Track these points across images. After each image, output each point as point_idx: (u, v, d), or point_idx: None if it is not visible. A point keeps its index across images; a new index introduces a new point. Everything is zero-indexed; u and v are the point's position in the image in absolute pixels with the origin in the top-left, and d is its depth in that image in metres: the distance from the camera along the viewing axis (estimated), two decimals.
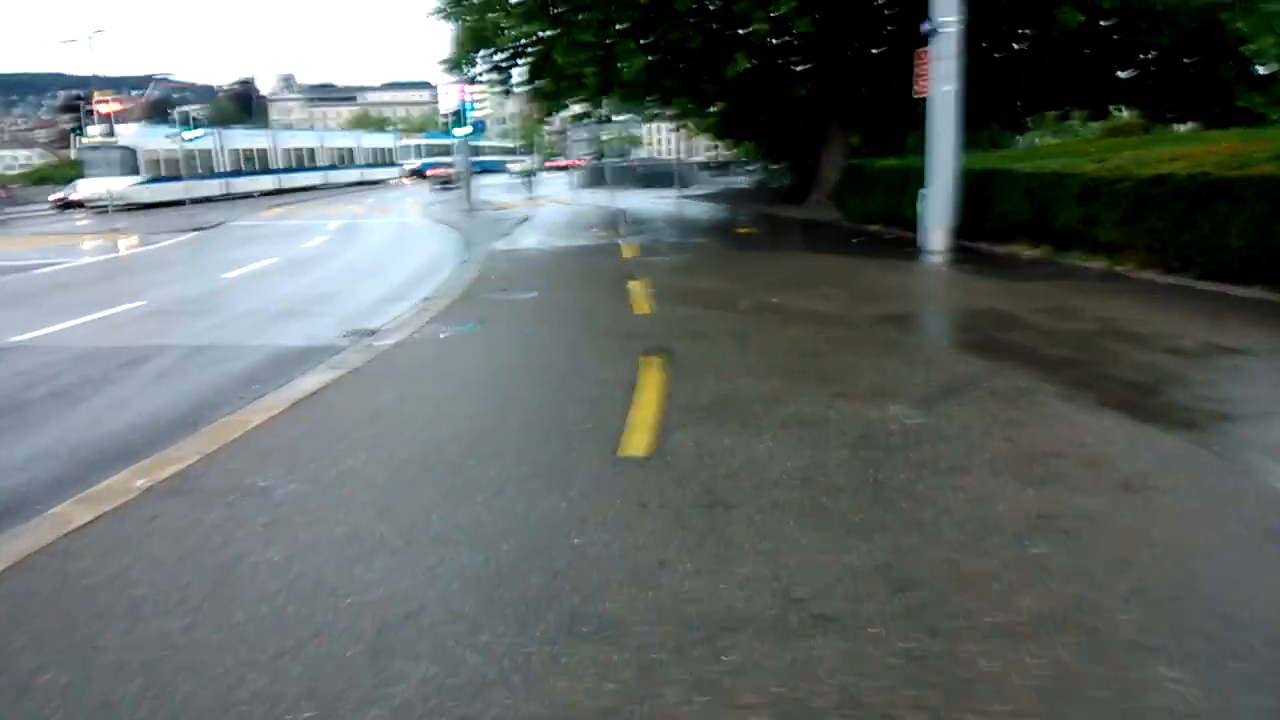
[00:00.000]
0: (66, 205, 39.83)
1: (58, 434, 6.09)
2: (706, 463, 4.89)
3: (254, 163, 49.98)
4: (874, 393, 6.24)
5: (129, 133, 40.12)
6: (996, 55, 26.14)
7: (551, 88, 25.36)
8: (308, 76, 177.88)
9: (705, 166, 53.26)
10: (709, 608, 3.33)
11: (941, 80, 15.32)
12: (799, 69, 28.83)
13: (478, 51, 23.69)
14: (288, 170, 52.53)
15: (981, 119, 31.16)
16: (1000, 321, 8.88)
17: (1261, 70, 23.03)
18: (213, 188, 43.84)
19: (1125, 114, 36.08)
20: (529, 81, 24.51)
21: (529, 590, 3.45)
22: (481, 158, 72.02)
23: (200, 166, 43.04)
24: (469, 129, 31.99)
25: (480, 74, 25.80)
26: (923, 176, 17.20)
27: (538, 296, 11.49)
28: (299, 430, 5.57)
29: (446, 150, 69.05)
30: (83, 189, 38.96)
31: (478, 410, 6.07)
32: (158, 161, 40.66)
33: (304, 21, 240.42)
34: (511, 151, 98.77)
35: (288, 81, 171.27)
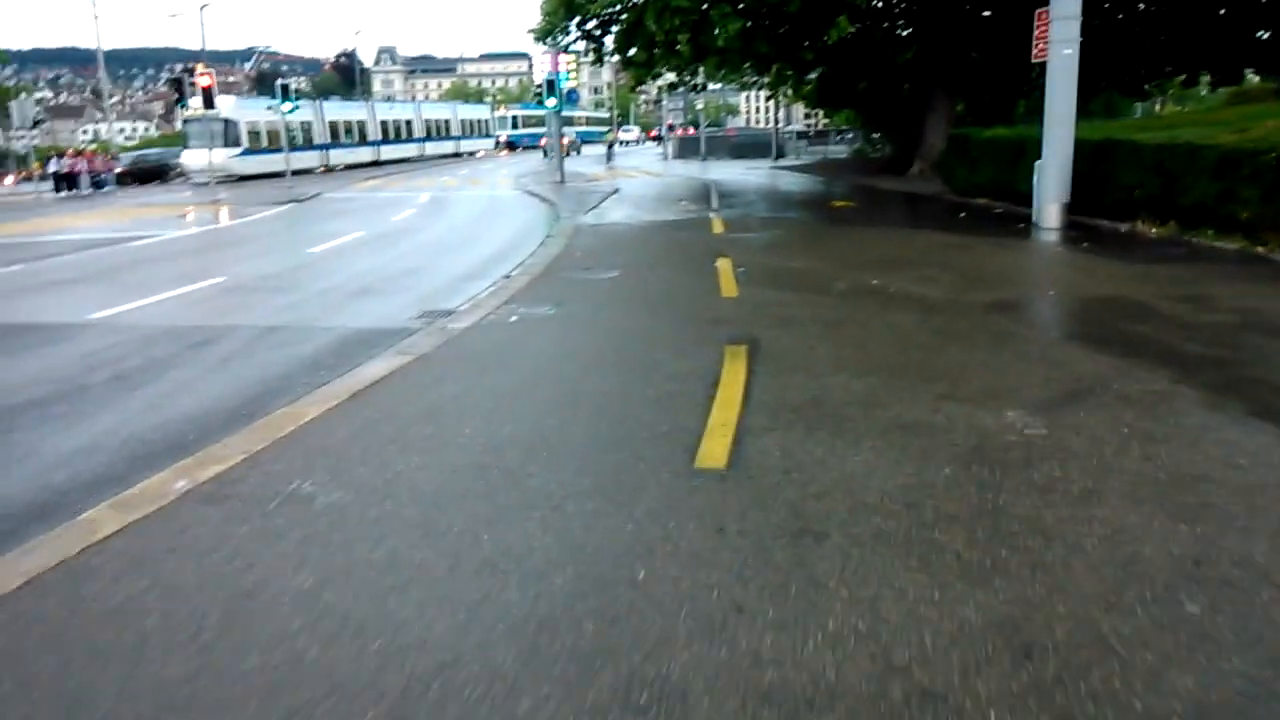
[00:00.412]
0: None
1: (111, 423, 5.89)
2: (794, 478, 4.31)
3: (353, 134, 50.18)
4: (987, 394, 5.53)
5: (227, 105, 40.42)
6: (1120, 15, 24.32)
7: (643, 56, 24.70)
8: (408, 49, 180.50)
9: (802, 135, 51.71)
10: (790, 674, 2.78)
11: (1061, 42, 14.14)
12: (902, 33, 27.47)
13: (569, 19, 23.16)
14: (386, 142, 52.83)
15: (1098, 84, 29.17)
16: (1127, 311, 7.97)
17: None
18: (311, 159, 44.17)
19: (1258, 80, 33.39)
20: (620, 50, 23.88)
21: (581, 642, 2.96)
22: (575, 128, 71.60)
23: (300, 138, 43.22)
24: (558, 100, 31.53)
25: (571, 43, 25.29)
26: (1036, 147, 16.01)
27: (619, 276, 10.98)
28: (353, 427, 5.20)
29: (541, 121, 69.07)
30: (186, 160, 39.62)
31: (543, 407, 5.61)
32: (258, 134, 41.23)
33: None
34: (605, 122, 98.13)
35: (389, 53, 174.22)
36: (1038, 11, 14.94)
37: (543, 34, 23.48)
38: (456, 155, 59.63)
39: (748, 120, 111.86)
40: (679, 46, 23.77)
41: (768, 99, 48.83)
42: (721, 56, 26.60)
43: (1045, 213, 14.37)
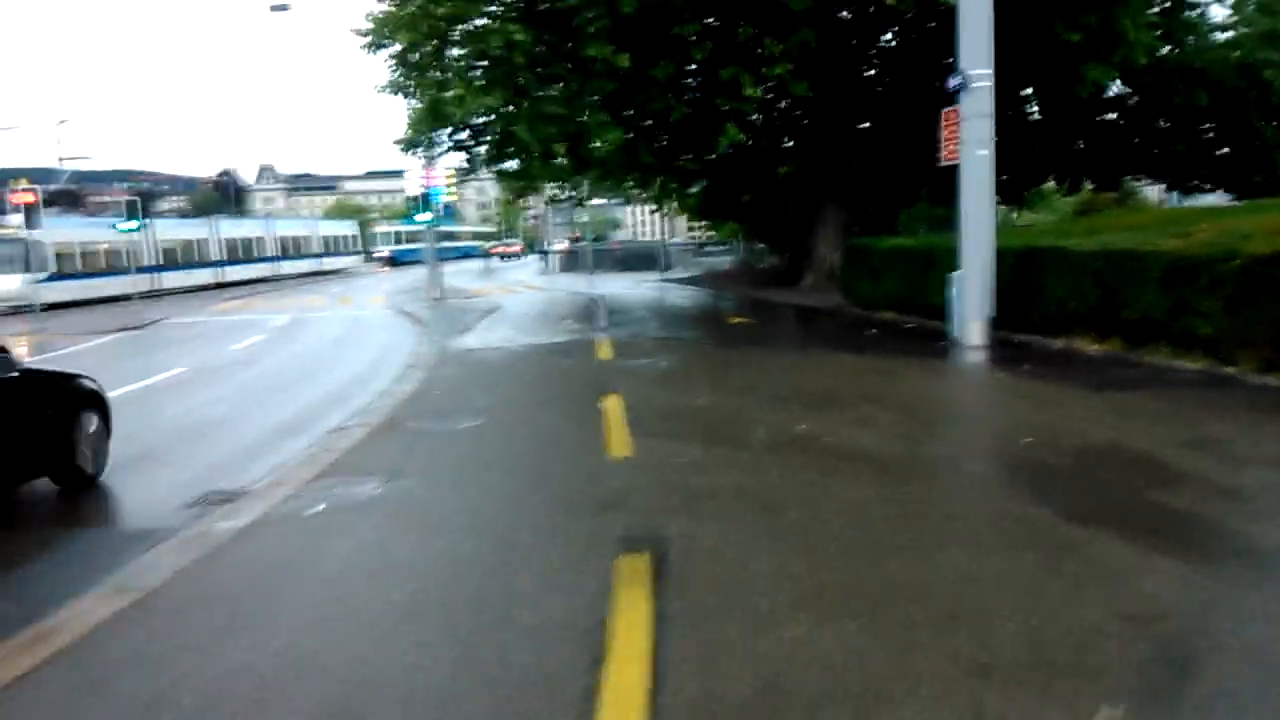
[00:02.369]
0: None
1: None
2: None
3: (192, 255, 44.42)
4: (1037, 659, 3.40)
5: (32, 224, 34.13)
6: (1003, 118, 24.11)
7: (521, 168, 23.03)
8: (291, 166, 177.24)
9: (688, 248, 51.17)
10: None
11: (974, 143, 12.92)
12: (787, 145, 26.81)
13: (436, 129, 21.32)
14: (232, 262, 47.01)
15: (954, 193, 29.13)
16: (1138, 469, 6.11)
17: None
18: (134, 285, 36.10)
19: (1143, 186, 34.27)
20: (493, 161, 22.09)
21: None
22: (459, 243, 69.66)
23: (125, 260, 37.45)
24: (433, 214, 29.59)
25: (441, 154, 23.46)
26: (946, 256, 14.70)
27: (481, 425, 8.65)
28: None
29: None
30: None
31: None
32: (70, 256, 35.58)
33: (285, 113, 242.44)
34: (492, 237, 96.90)
35: (269, 171, 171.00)
36: (945, 111, 13.80)
37: (409, 145, 21.58)
38: (318, 274, 54.95)
39: (633, 233, 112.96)
40: (558, 158, 22.24)
41: (652, 212, 48.25)
42: (603, 168, 25.26)
43: (968, 329, 12.86)
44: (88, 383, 7.79)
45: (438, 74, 19.85)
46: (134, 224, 30.02)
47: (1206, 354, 9.78)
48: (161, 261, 41.27)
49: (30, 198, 23.32)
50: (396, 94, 20.57)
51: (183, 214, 74.36)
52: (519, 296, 29.83)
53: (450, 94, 19.52)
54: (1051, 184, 34.24)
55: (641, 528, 5.20)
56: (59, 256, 34.91)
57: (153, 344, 20.56)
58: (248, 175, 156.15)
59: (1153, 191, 55.88)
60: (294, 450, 8.21)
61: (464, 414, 9.14)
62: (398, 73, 20.34)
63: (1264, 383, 8.83)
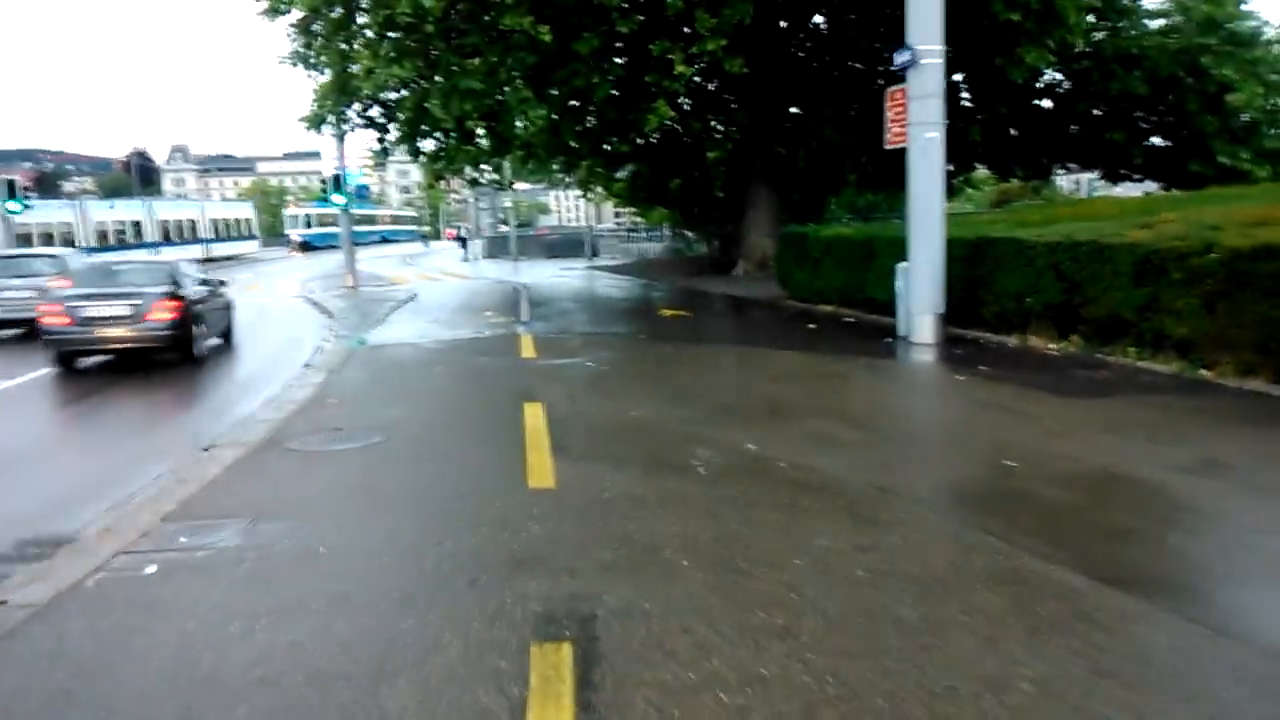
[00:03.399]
0: None
1: None
2: None
3: (51, 242, 35.38)
4: None
5: None
6: None
7: (438, 148, 21.53)
8: (204, 148, 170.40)
9: (616, 234, 49.96)
10: None
11: (922, 125, 12.03)
12: (716, 128, 25.85)
13: (344, 105, 19.67)
14: (101, 249, 37.62)
15: (886, 180, 28.72)
16: (1159, 505, 5.20)
17: (1244, 119, 20.67)
18: None
19: (1081, 174, 34.29)
20: (407, 140, 20.54)
21: None
22: (377, 227, 66.62)
23: None
24: (346, 197, 27.78)
25: (347, 132, 21.78)
26: (890, 247, 13.90)
27: (380, 445, 7.37)
28: None
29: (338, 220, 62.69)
30: None
31: None
32: None
33: (202, 91, 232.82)
34: (413, 220, 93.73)
35: (181, 152, 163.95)
36: (890, 91, 12.89)
37: (315, 121, 19.85)
38: (208, 261, 46.36)
39: (559, 219, 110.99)
40: (477, 137, 20.82)
41: (579, 197, 46.94)
42: (527, 150, 23.93)
43: (917, 326, 12.01)
44: None
45: (343, 44, 18.23)
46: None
47: (1180, 355, 9.05)
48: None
49: None
50: (299, 66, 18.87)
51: (87, 195, 68.43)
52: (439, 285, 28.29)
53: (357, 67, 17.97)
54: (983, 172, 34.04)
55: (564, 600, 4.05)
56: None
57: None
58: (161, 156, 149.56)
59: (1064, 182, 56.56)
60: (145, 480, 6.81)
61: (361, 429, 7.84)
62: (299, 42, 18.65)
63: (1248, 388, 8.09)
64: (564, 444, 7.06)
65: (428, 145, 21.77)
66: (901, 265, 12.48)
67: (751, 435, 7.15)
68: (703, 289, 22.33)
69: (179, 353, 12.88)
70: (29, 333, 14.99)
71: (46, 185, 57.36)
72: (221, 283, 16.06)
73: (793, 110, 25.28)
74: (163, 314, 12.48)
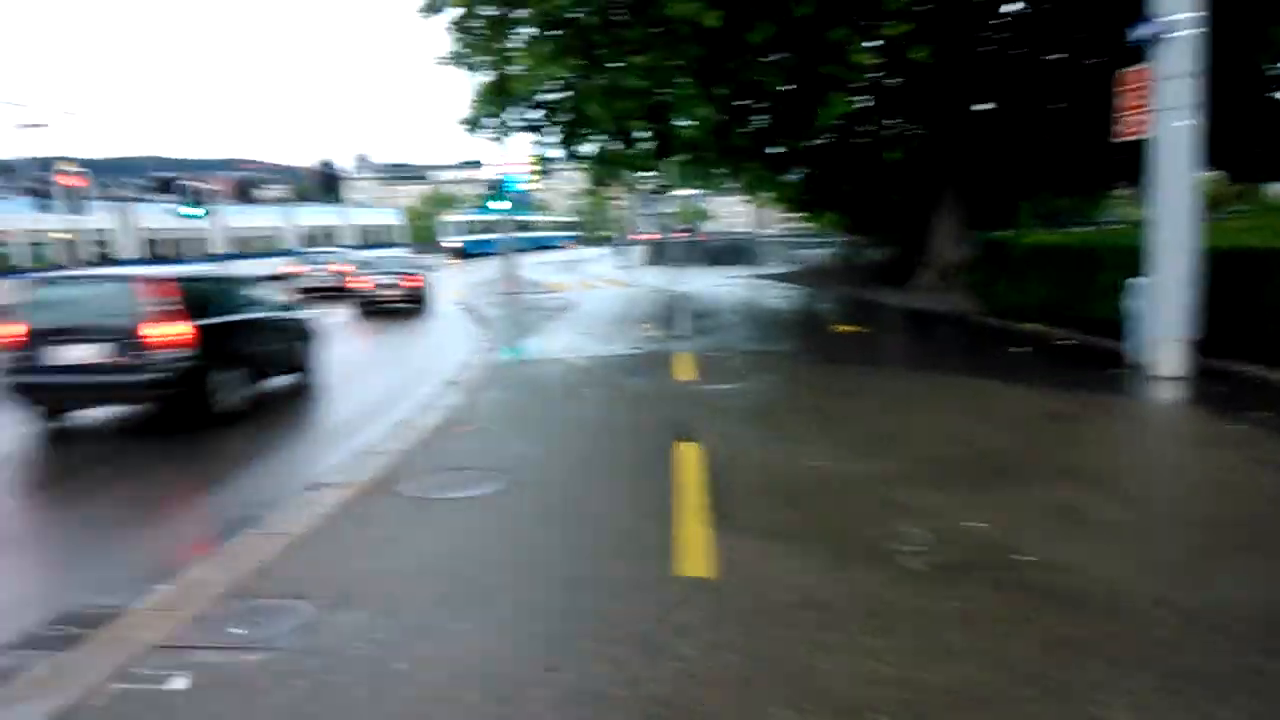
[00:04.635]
0: None
1: None
2: None
3: (186, 250, 35.59)
4: None
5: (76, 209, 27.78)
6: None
7: (599, 152, 20.50)
8: (386, 156, 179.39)
9: (782, 240, 47.98)
10: None
11: (1173, 111, 9.81)
12: (892, 127, 23.68)
13: (502, 106, 18.91)
14: (239, 256, 36.52)
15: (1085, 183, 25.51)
16: None
17: None
18: None
19: None
20: (567, 142, 19.60)
21: None
22: (535, 234, 66.51)
23: (96, 253, 30.67)
24: (506, 203, 27.35)
25: (507, 135, 21.07)
26: (1117, 257, 11.68)
27: (500, 495, 6.09)
28: None
29: (496, 227, 62.01)
30: None
31: None
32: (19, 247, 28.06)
33: (383, 104, 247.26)
34: (570, 227, 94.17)
35: (364, 161, 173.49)
36: (1123, 73, 10.68)
37: (473, 124, 19.24)
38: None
39: (722, 225, 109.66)
40: (638, 140, 19.63)
41: (744, 202, 45.32)
42: (691, 151, 22.55)
43: (1160, 353, 9.81)
44: None
45: (501, 43, 17.44)
46: (199, 210, 27.84)
47: None
48: (150, 255, 33.40)
49: (77, 181, 21.63)
50: (457, 66, 18.24)
51: (283, 201, 70.61)
52: (596, 293, 27.38)
53: (516, 68, 17.12)
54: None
55: None
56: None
57: None
58: (348, 165, 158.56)
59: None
60: (246, 516, 5.79)
61: (485, 470, 6.61)
62: (459, 42, 18.02)
63: None
64: (724, 507, 5.57)
65: (587, 148, 20.80)
66: (1138, 280, 10.29)
67: (972, 505, 5.44)
68: (879, 301, 20.28)
69: (419, 305, 22.51)
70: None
71: (243, 193, 60.34)
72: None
73: (981, 106, 22.81)
74: (412, 285, 22.97)
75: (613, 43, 16.65)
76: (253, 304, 10.84)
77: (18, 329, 8.71)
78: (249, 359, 10.04)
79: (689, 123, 18.33)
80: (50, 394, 8.97)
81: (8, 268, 25.75)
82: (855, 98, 19.44)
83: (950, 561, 4.66)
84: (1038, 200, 31.36)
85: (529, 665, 3.67)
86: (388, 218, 56.23)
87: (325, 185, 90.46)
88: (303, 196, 71.76)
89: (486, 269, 40.86)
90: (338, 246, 42.87)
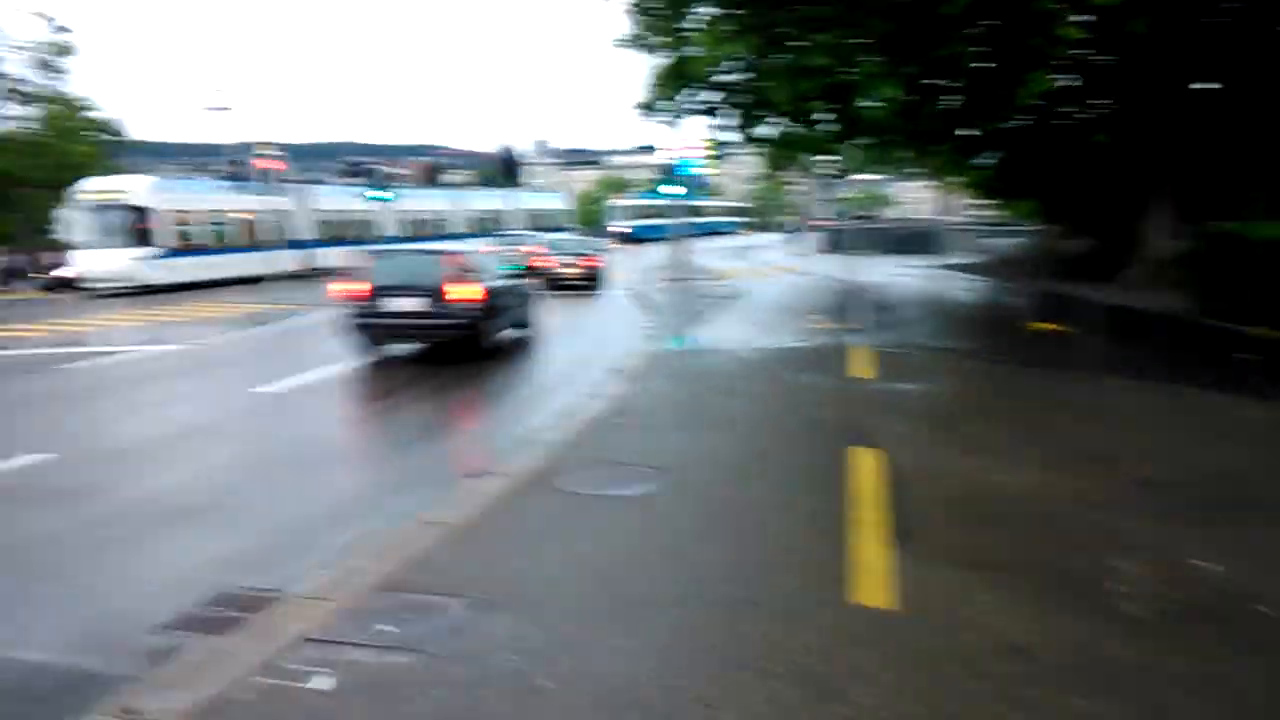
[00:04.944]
0: (53, 285, 28.24)
1: None
2: None
3: (352, 230, 35.85)
4: None
5: (137, 186, 27.10)
6: None
7: (773, 134, 19.86)
8: (564, 141, 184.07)
9: (969, 229, 45.47)
10: None
11: None
12: (1101, 107, 21.67)
13: (678, 90, 18.58)
14: (402, 239, 36.67)
15: None
16: None
17: None
18: (272, 263, 30.51)
19: None
20: (745, 125, 19.07)
21: None
22: (705, 219, 65.66)
23: (270, 233, 31.37)
24: (678, 187, 27.05)
25: (681, 119, 20.72)
26: None
27: (658, 495, 5.78)
28: None
29: (665, 212, 61.43)
30: (80, 262, 26.51)
31: None
32: (185, 229, 28.03)
33: (563, 89, 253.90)
34: (741, 212, 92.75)
35: (541, 146, 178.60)
36: None
37: (648, 108, 19.03)
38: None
39: (906, 211, 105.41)
40: (818, 122, 18.84)
41: (929, 187, 43.22)
42: (876, 133, 21.49)
43: None
44: None
45: (681, 22, 17.09)
46: (385, 194, 28.86)
47: None
48: (317, 235, 33.58)
49: (272, 165, 22.91)
50: (634, 49, 18.06)
51: (467, 185, 72.78)
52: (768, 282, 26.74)
53: (694, 48, 16.74)
54: None
55: None
56: (173, 229, 27.45)
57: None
58: (528, 150, 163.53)
59: None
60: (395, 511, 5.75)
61: (644, 466, 6.32)
62: (638, 23, 17.82)
63: None
64: (906, 524, 5.03)
65: (765, 131, 20.18)
66: None
67: (1201, 541, 4.66)
68: (1080, 296, 18.64)
69: (595, 283, 24.58)
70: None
71: (430, 177, 62.95)
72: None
73: (1202, 85, 20.50)
74: (591, 265, 25.15)
75: (796, 20, 15.96)
76: (504, 274, 14.54)
77: (365, 286, 12.36)
78: (504, 312, 13.68)
79: (874, 103, 17.39)
80: (382, 332, 12.54)
81: (189, 245, 27.95)
82: (1058, 75, 17.89)
83: (1178, 609, 3.96)
84: (1274, 189, 28.13)
85: (681, 697, 3.32)
86: (554, 202, 57.14)
87: (505, 170, 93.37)
88: (485, 181, 73.75)
89: (655, 254, 40.92)
90: (507, 230, 43.57)
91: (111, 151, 38.77)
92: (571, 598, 4.24)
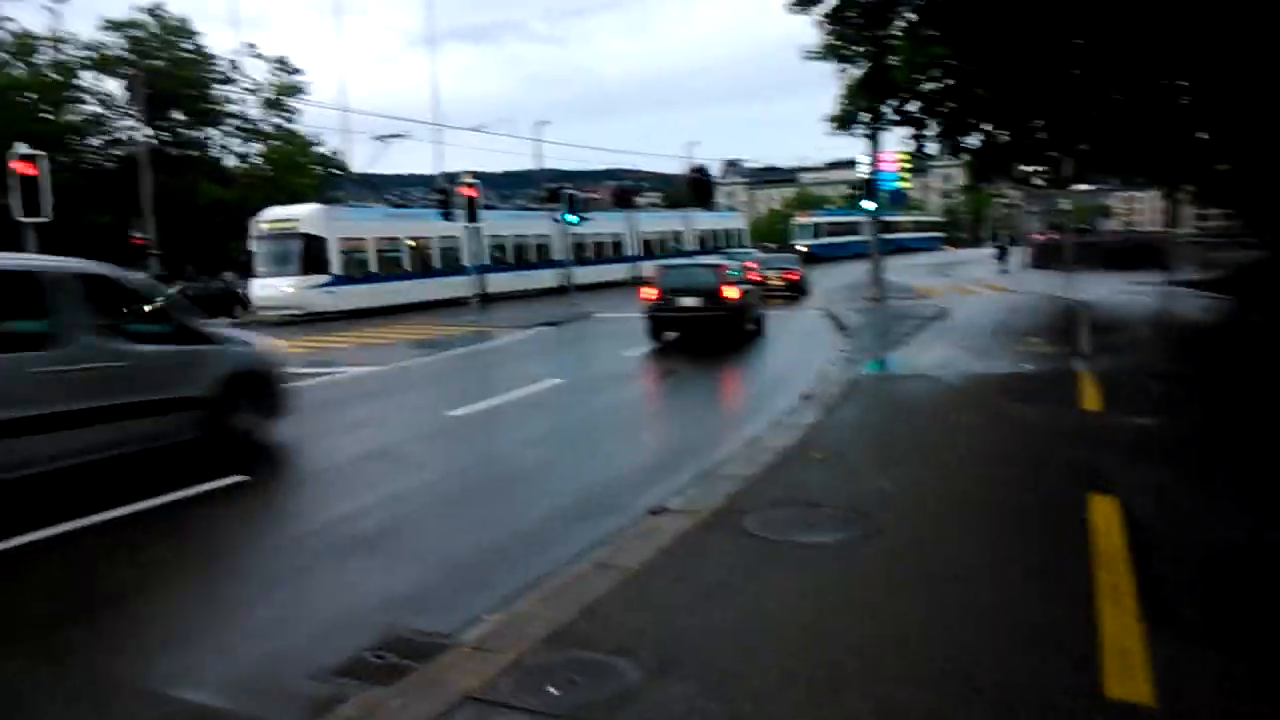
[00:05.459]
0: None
1: None
2: None
3: (532, 255, 36.45)
4: None
5: (311, 214, 27.74)
6: None
7: (980, 144, 18.58)
8: (757, 161, 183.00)
9: (1199, 241, 41.16)
10: None
11: None
12: None
13: (877, 102, 17.73)
14: (578, 263, 35.30)
15: None
16: None
17: None
18: (443, 290, 29.53)
19: None
20: (945, 135, 17.93)
21: None
22: (898, 235, 62.74)
23: (444, 260, 31.38)
24: (877, 203, 25.99)
25: (876, 132, 19.77)
26: None
27: (861, 542, 5.16)
28: None
29: (852, 228, 56.17)
30: (254, 290, 27.21)
31: None
32: (359, 256, 28.46)
33: (755, 111, 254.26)
34: (936, 227, 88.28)
35: (735, 166, 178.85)
36: None
37: (843, 120, 18.29)
38: None
39: (1127, 223, 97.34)
40: (1032, 127, 17.44)
41: (1164, 197, 39.51)
42: (1096, 140, 19.66)
43: None
44: None
45: (883, 29, 16.29)
46: (575, 218, 28.91)
47: None
48: (491, 260, 33.19)
49: (473, 191, 23.80)
50: (829, 60, 17.38)
51: (654, 208, 73.89)
52: (974, 300, 25.11)
53: (895, 57, 15.89)
54: None
55: None
56: (347, 256, 27.80)
57: (545, 345, 19.75)
58: (716, 170, 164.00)
59: None
60: (572, 551, 5.44)
61: (841, 509, 5.72)
62: (831, 33, 17.14)
63: None
64: (1161, 592, 4.19)
65: (972, 140, 18.94)
66: None
67: None
68: None
69: (797, 294, 28.52)
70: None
71: (621, 200, 63.93)
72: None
73: None
74: (791, 278, 29.21)
75: (1017, 15, 14.77)
76: (748, 280, 18.89)
77: (656, 290, 17.00)
78: (751, 308, 17.92)
79: (1095, 109, 15.89)
80: (670, 324, 17.01)
81: (362, 272, 28.50)
82: None
83: None
84: None
85: None
86: (730, 221, 56.51)
87: (696, 190, 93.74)
88: (674, 202, 74.18)
89: (842, 272, 39.50)
90: (683, 249, 44.27)
91: (334, 183, 41.98)
92: (758, 663, 3.72)
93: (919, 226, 77.91)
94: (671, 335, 16.90)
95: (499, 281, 31.71)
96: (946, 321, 18.69)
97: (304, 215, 27.51)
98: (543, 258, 36.56)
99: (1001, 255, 45.28)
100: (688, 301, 16.49)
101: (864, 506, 5.79)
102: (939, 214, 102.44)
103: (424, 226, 30.65)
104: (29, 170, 11.75)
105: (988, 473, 6.97)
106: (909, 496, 6.17)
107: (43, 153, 11.93)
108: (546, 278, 34.73)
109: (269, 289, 26.57)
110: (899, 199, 32.39)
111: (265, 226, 27.52)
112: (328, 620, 4.71)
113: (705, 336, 16.53)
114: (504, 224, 35.41)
